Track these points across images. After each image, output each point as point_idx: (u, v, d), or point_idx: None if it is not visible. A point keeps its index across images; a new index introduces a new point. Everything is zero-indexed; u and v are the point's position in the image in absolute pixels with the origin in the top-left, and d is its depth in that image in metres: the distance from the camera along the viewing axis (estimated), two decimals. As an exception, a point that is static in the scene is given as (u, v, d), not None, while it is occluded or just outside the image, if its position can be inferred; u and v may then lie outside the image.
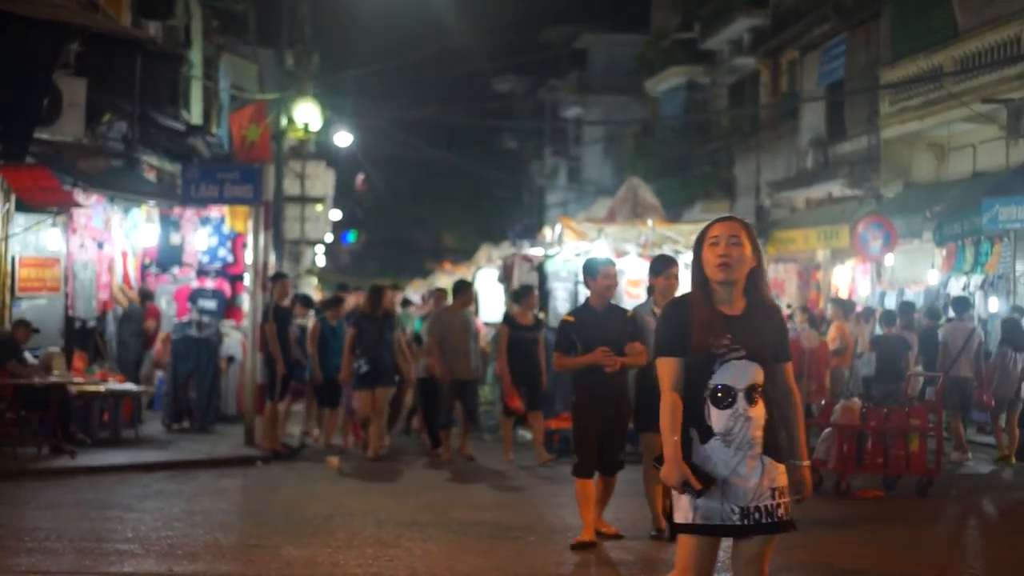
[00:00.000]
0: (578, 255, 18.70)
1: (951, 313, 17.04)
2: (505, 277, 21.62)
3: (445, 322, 15.33)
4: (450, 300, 16.57)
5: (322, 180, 41.71)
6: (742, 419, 4.85)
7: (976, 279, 19.47)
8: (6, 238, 15.74)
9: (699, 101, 39.99)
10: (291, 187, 35.13)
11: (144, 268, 19.64)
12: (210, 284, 19.39)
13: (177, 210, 19.34)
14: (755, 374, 4.89)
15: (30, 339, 14.91)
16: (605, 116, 49.12)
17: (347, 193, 55.76)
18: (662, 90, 41.86)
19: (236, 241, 19.96)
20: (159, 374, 18.21)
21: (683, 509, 4.88)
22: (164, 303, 19.33)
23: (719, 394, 4.85)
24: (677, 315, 4.98)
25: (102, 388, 15.21)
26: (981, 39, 20.77)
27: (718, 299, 4.95)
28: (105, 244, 18.00)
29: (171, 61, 20.26)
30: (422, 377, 16.01)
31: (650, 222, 19.19)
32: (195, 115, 25.25)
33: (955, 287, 19.77)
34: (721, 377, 4.86)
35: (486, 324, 21.20)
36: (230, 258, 19.83)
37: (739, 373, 4.86)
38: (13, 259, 16.05)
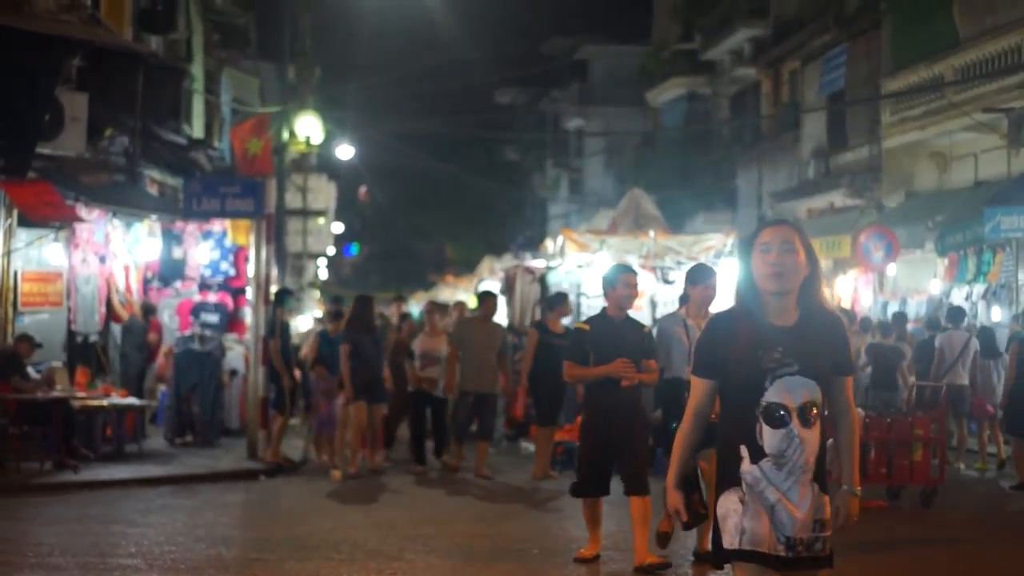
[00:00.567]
0: (580, 267, 18.68)
1: (945, 323, 17.06)
2: (507, 289, 21.61)
3: (465, 332, 14.85)
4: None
5: (324, 193, 41.81)
6: (796, 441, 4.48)
7: (979, 288, 19.47)
8: (8, 253, 15.75)
9: (700, 112, 40.05)
10: (293, 200, 35.18)
11: (146, 282, 19.64)
12: (212, 298, 19.39)
13: (179, 224, 19.34)
14: (810, 391, 4.51)
15: (33, 354, 14.91)
16: (607, 127, 49.15)
17: (349, 206, 55.83)
18: (663, 101, 41.92)
19: (238, 254, 19.96)
20: (162, 388, 18.21)
21: (730, 533, 4.53)
22: (167, 317, 19.33)
23: (771, 412, 4.49)
24: (720, 330, 4.63)
25: (105, 402, 15.20)
26: (982, 48, 20.79)
27: (769, 310, 4.58)
28: (107, 258, 18.01)
29: (173, 75, 20.33)
30: (412, 391, 15.51)
31: (652, 233, 19.17)
32: (197, 129, 25.28)
33: (958, 297, 19.77)
34: (773, 394, 4.50)
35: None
36: (232, 272, 19.84)
37: (792, 390, 4.49)
38: (15, 274, 16.04)
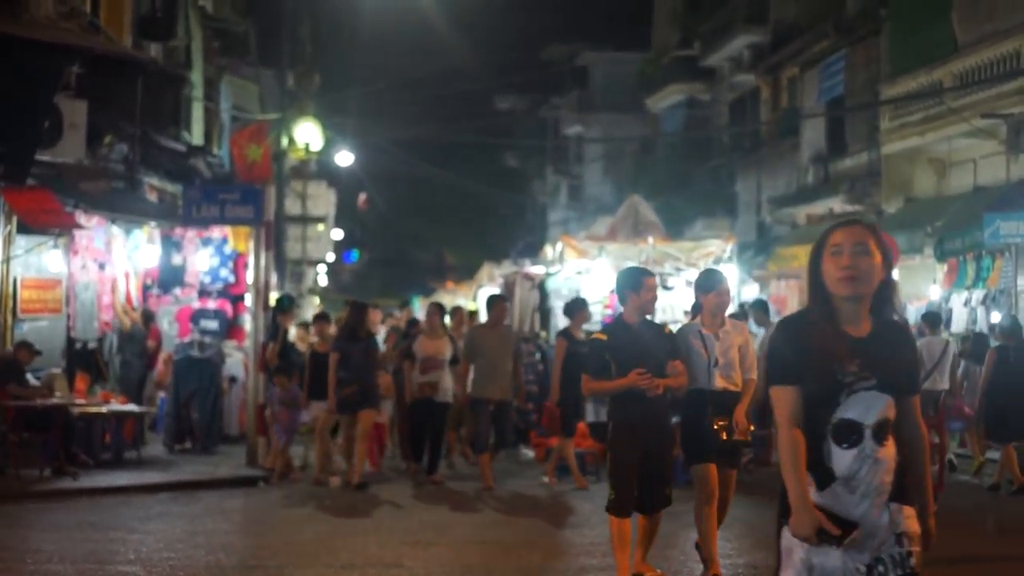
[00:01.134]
0: (579, 273, 18.70)
1: (922, 329, 17.02)
2: (506, 295, 21.61)
3: (478, 341, 14.33)
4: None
5: (323, 200, 41.83)
6: (869, 461, 4.10)
7: (978, 294, 19.47)
8: (7, 260, 15.76)
9: (699, 118, 40.06)
10: (292, 207, 35.17)
11: (146, 289, 19.63)
12: (212, 304, 19.36)
13: (179, 231, 19.33)
14: (885, 408, 4.14)
15: (32, 361, 14.92)
16: (606, 134, 49.17)
17: (349, 212, 55.85)
18: (663, 107, 41.94)
19: (238, 261, 19.95)
20: (161, 395, 18.20)
21: (794, 568, 4.11)
22: (166, 324, 19.32)
23: (843, 430, 4.11)
24: (796, 337, 4.22)
25: (104, 409, 15.20)
26: (980, 54, 20.81)
27: (843, 318, 4.21)
28: (107, 265, 18.01)
29: (172, 82, 20.34)
30: (416, 398, 14.70)
31: (651, 240, 19.20)
32: (196, 136, 25.29)
33: (957, 302, 19.77)
34: (847, 411, 4.12)
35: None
36: (232, 278, 19.81)
37: (868, 406, 4.12)
38: (15, 281, 16.05)
